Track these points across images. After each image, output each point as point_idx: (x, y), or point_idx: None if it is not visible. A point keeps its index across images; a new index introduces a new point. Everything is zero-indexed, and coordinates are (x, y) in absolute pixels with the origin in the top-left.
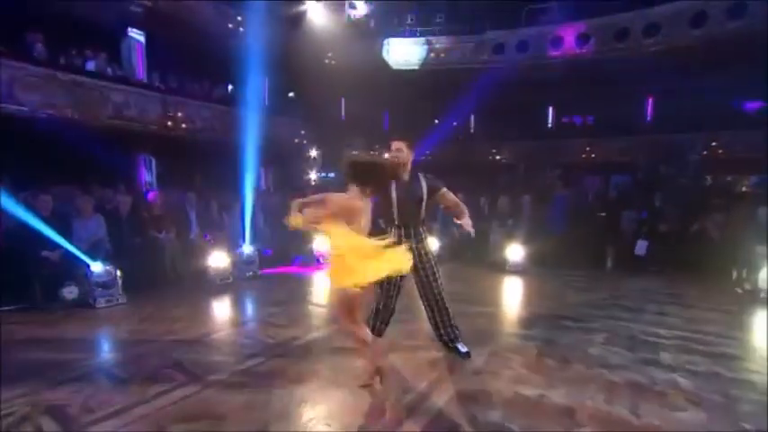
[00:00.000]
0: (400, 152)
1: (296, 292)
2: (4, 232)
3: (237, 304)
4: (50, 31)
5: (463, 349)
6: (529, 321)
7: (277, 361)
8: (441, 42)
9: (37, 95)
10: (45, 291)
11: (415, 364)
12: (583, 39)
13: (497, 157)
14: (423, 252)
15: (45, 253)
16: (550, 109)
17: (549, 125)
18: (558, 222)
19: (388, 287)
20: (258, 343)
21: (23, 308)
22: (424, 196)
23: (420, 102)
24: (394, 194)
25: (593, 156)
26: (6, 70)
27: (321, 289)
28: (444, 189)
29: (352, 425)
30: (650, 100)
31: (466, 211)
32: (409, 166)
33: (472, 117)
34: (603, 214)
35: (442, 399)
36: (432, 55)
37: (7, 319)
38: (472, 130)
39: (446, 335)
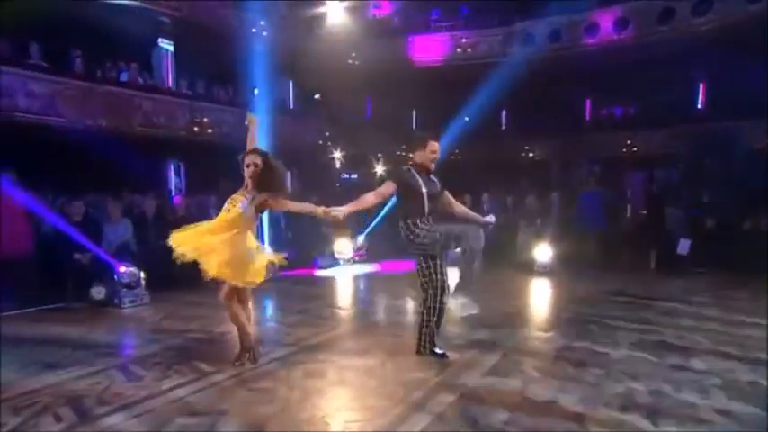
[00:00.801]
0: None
1: (313, 294)
2: (43, 237)
3: (254, 305)
4: (89, 46)
5: (439, 351)
6: (550, 323)
7: (285, 360)
8: (467, 36)
9: (75, 107)
10: (76, 291)
11: (426, 361)
12: (621, 24)
13: (529, 155)
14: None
15: (77, 255)
16: (587, 101)
17: (586, 118)
18: (588, 221)
19: None
20: (269, 342)
21: (57, 307)
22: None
23: (448, 99)
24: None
25: (634, 149)
26: (49, 85)
27: (339, 291)
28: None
29: (353, 423)
30: (701, 85)
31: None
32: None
33: (503, 113)
34: (645, 212)
35: (447, 398)
36: (458, 50)
37: (43, 317)
38: (503, 127)
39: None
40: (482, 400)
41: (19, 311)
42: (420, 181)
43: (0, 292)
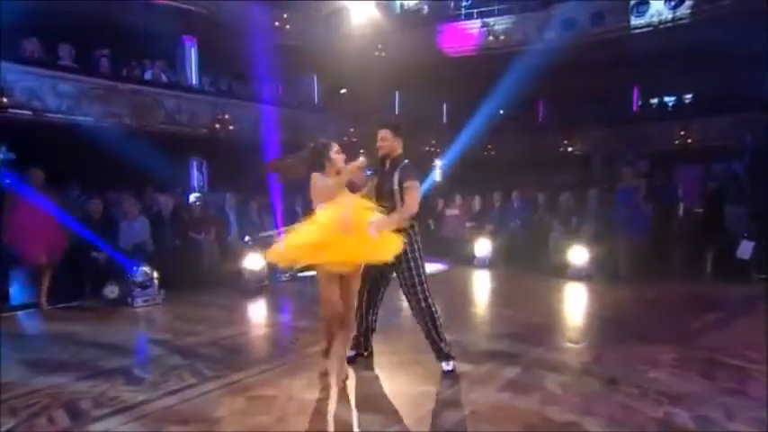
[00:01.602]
0: (384, 141)
1: None
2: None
3: (268, 307)
4: (114, 44)
5: (447, 367)
6: (580, 333)
7: (290, 366)
8: (500, 23)
9: (100, 106)
10: (93, 290)
11: (436, 376)
12: (674, 0)
13: (569, 149)
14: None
15: (94, 254)
16: (635, 89)
17: (633, 108)
18: (622, 222)
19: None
20: (277, 347)
21: (72, 306)
22: (395, 187)
23: (480, 91)
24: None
25: (688, 141)
26: (77, 84)
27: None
28: (409, 183)
29: None
30: None
31: (395, 217)
32: (396, 154)
33: (540, 104)
34: (700, 210)
35: (455, 415)
36: (490, 38)
37: (56, 315)
38: (540, 119)
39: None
40: (493, 418)
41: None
42: None
43: (24, 290)
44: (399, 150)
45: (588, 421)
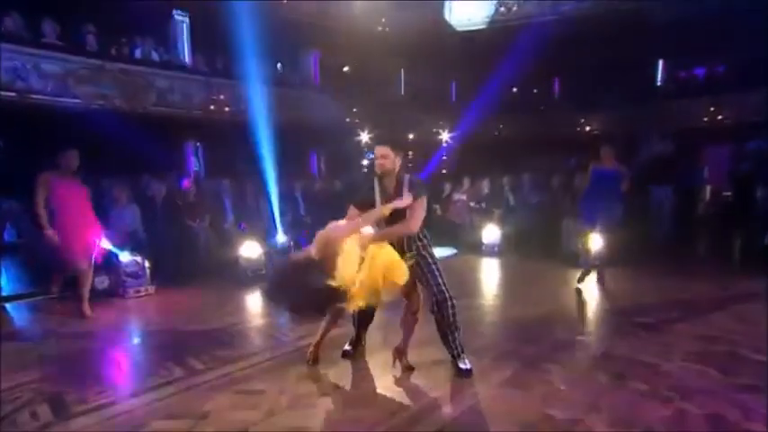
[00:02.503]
0: (384, 159)
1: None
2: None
3: (262, 298)
4: (102, 21)
5: (463, 366)
6: (589, 325)
7: (281, 360)
8: None
9: (88, 87)
10: None
11: (436, 368)
12: None
13: (587, 128)
14: (422, 254)
15: None
16: (660, 62)
17: (658, 82)
18: (588, 212)
19: None
20: (269, 340)
21: (62, 296)
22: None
23: (491, 67)
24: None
25: (719, 118)
26: (62, 64)
27: None
28: (419, 200)
29: None
30: None
31: (397, 229)
32: (396, 171)
33: (556, 81)
34: (728, 193)
35: (451, 411)
36: (501, 9)
37: (44, 306)
38: (555, 97)
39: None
40: (492, 415)
41: (24, 301)
42: None
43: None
44: (398, 167)
45: (593, 419)
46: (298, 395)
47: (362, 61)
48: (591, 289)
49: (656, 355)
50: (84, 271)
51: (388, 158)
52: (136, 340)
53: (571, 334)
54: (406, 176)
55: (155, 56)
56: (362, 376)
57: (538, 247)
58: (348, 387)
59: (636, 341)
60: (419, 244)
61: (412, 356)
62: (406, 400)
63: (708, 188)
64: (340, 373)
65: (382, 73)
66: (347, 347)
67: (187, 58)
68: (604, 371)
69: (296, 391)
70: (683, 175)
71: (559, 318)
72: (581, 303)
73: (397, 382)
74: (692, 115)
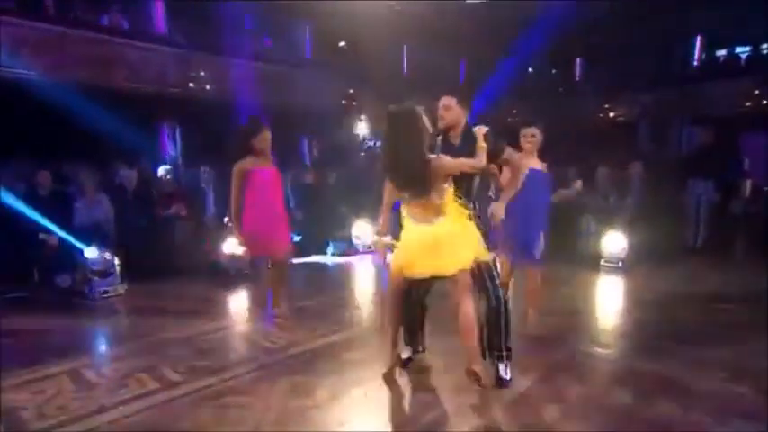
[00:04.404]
0: (448, 111)
1: (322, 288)
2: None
3: (247, 300)
4: None
5: (504, 374)
6: (611, 337)
7: (271, 370)
8: None
9: (47, 58)
10: (42, 278)
11: (442, 380)
12: None
13: (611, 115)
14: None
15: (42, 236)
16: (697, 39)
17: (694, 63)
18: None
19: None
20: (254, 347)
21: (18, 297)
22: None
23: (505, 45)
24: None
25: (764, 102)
26: (13, 30)
27: (352, 284)
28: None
29: None
30: None
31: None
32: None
33: (577, 61)
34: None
35: (458, 428)
36: None
37: None
38: (577, 79)
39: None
40: None
41: None
42: None
43: None
44: (464, 121)
45: None
46: (287, 409)
47: (361, 35)
48: (616, 295)
49: (687, 371)
50: None
51: (451, 110)
52: (103, 347)
53: (593, 346)
54: (477, 127)
55: (124, 24)
56: (359, 389)
57: (553, 247)
58: (343, 401)
59: (664, 356)
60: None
61: (419, 364)
62: (407, 416)
63: (748, 183)
64: (333, 385)
65: (383, 49)
66: (405, 354)
67: (161, 27)
68: (627, 388)
69: (285, 404)
70: (721, 169)
71: (577, 326)
72: (603, 310)
73: (399, 394)
74: (731, 100)
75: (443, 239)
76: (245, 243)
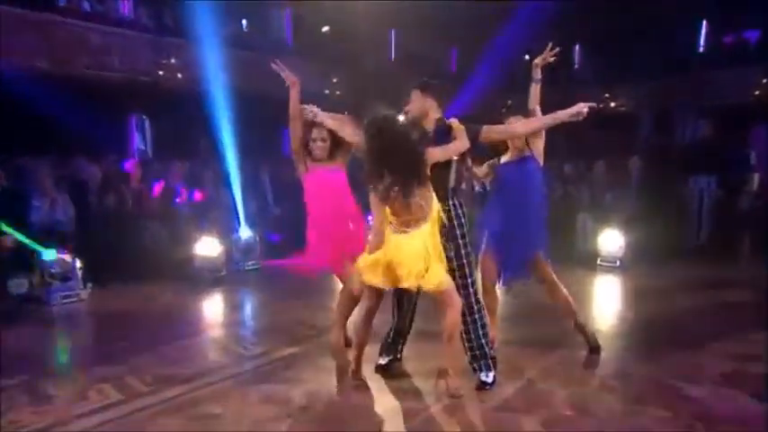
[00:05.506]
0: (412, 102)
1: (300, 291)
2: None
3: (222, 304)
4: None
5: (486, 378)
6: (605, 338)
7: (243, 378)
8: None
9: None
10: None
11: (423, 386)
12: None
13: (611, 105)
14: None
15: None
16: (702, 24)
17: (699, 49)
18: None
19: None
20: (226, 355)
21: None
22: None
23: (498, 30)
24: None
25: None
26: None
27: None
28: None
29: None
30: None
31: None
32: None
33: (576, 48)
34: None
35: None
36: None
37: None
38: (576, 66)
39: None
40: None
41: None
42: None
43: None
44: (436, 114)
45: None
46: (260, 419)
47: (345, 20)
48: (608, 296)
49: (682, 376)
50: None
51: (414, 102)
52: (63, 357)
53: (581, 349)
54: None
55: (86, 6)
56: (334, 396)
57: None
58: (319, 408)
59: (658, 359)
60: (455, 202)
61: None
62: (385, 423)
63: (755, 177)
64: (309, 393)
65: (368, 34)
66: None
67: (127, 9)
68: (618, 393)
69: (258, 414)
70: (726, 162)
71: (568, 329)
72: (596, 312)
73: (377, 400)
74: (739, 88)
75: (404, 251)
76: None
